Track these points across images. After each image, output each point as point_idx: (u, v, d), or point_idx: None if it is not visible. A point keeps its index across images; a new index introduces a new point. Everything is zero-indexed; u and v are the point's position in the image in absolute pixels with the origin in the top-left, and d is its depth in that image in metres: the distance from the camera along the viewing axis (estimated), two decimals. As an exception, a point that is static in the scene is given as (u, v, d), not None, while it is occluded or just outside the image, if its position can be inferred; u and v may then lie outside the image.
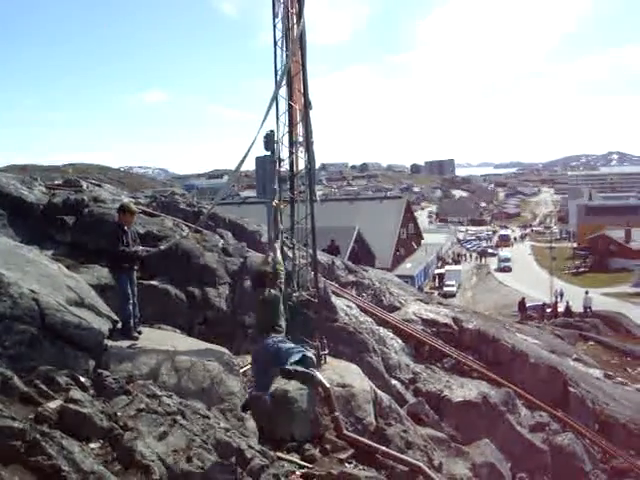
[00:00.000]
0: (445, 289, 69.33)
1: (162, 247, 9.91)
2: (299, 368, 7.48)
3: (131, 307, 8.94)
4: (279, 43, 9.68)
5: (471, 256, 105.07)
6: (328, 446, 8.41)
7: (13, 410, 5.54)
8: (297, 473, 7.48)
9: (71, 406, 5.91)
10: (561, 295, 43.77)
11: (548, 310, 41.84)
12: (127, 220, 9.13)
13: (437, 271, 79.48)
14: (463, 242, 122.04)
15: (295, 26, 9.72)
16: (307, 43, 9.88)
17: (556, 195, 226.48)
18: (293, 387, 8.98)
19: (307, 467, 7.78)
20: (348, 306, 14.33)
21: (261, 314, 7.62)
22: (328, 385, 9.04)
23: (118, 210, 9.42)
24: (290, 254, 10.72)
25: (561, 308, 42.24)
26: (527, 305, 41.79)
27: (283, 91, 9.73)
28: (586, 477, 14.27)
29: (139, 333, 8.98)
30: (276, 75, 9.68)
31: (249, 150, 8.61)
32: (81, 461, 5.03)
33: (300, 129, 9.99)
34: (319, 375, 9.23)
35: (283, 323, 7.51)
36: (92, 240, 12.32)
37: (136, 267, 9.30)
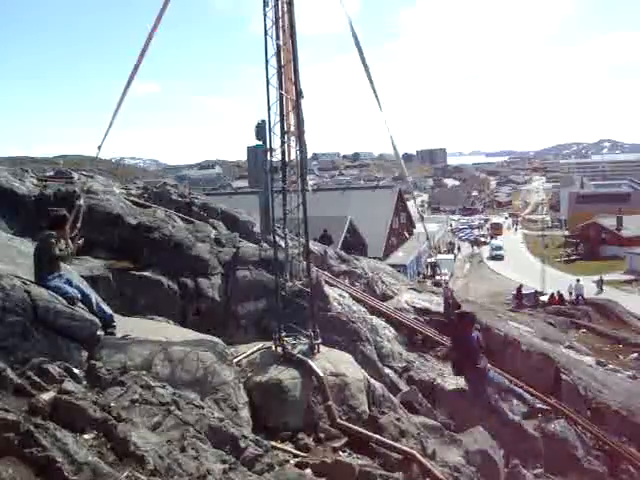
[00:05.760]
0: (437, 278, 69.45)
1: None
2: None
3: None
4: (269, 32, 9.63)
5: (472, 245, 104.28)
6: (322, 435, 8.43)
7: (6, 402, 5.53)
8: (291, 462, 7.52)
9: (64, 397, 5.90)
10: (578, 295, 41.38)
11: (542, 298, 41.92)
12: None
13: (429, 260, 79.48)
14: (455, 231, 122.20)
15: (286, 15, 9.68)
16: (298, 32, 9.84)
17: (548, 183, 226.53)
18: (286, 376, 9.01)
19: (301, 456, 7.82)
20: (341, 295, 14.33)
21: None
22: (321, 374, 9.08)
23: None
24: (282, 244, 10.72)
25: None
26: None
27: (274, 80, 9.69)
28: (579, 463, 14.38)
29: None
30: (267, 64, 9.63)
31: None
32: (75, 452, 5.03)
33: (292, 118, 9.95)
34: (313, 364, 9.29)
35: None
36: (84, 231, 12.31)
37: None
